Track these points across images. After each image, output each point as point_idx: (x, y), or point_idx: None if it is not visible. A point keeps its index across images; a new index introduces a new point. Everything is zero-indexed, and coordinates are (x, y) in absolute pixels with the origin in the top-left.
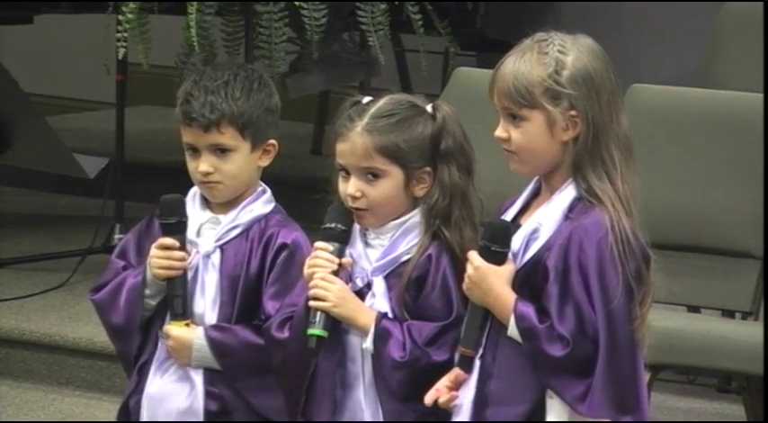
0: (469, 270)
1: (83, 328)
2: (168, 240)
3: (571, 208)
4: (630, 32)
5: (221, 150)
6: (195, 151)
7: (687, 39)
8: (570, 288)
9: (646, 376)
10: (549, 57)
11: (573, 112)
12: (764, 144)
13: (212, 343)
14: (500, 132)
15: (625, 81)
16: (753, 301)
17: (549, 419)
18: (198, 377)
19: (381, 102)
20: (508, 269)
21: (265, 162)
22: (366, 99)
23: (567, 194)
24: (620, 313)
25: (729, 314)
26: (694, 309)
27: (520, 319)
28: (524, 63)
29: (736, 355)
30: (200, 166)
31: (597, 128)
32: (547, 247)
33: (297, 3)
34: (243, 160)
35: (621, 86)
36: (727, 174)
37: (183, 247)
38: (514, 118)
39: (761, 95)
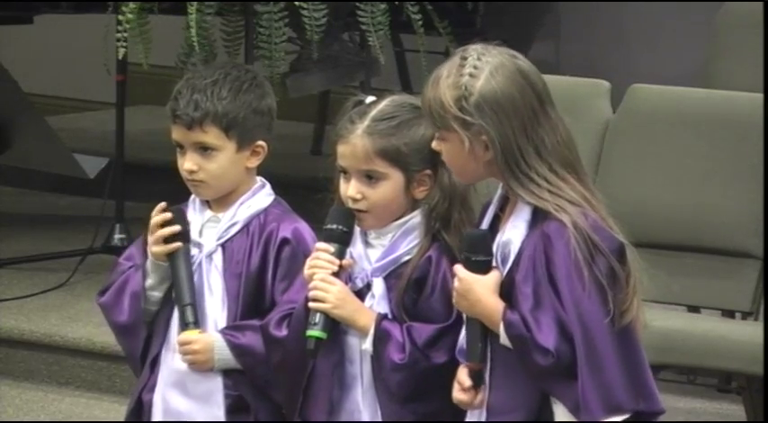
0: (455, 283)
1: (83, 328)
2: (163, 216)
3: (534, 217)
4: (630, 32)
5: (205, 149)
6: (182, 149)
7: (687, 39)
8: (543, 298)
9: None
10: (462, 79)
11: (484, 137)
12: (764, 144)
13: (231, 344)
14: (435, 145)
15: (625, 81)
16: (753, 301)
17: (557, 420)
18: (218, 393)
19: (383, 104)
20: (493, 277)
21: (254, 163)
22: (369, 99)
23: (524, 207)
24: (594, 316)
25: (729, 314)
26: (694, 309)
27: (509, 326)
28: (439, 87)
29: (736, 355)
30: (185, 163)
31: (511, 150)
32: (516, 261)
33: (297, 3)
34: (227, 160)
35: (621, 86)
36: (727, 174)
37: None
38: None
39: (761, 95)
